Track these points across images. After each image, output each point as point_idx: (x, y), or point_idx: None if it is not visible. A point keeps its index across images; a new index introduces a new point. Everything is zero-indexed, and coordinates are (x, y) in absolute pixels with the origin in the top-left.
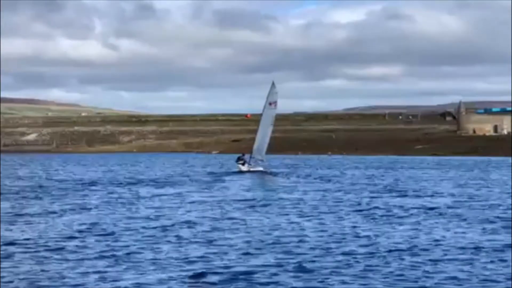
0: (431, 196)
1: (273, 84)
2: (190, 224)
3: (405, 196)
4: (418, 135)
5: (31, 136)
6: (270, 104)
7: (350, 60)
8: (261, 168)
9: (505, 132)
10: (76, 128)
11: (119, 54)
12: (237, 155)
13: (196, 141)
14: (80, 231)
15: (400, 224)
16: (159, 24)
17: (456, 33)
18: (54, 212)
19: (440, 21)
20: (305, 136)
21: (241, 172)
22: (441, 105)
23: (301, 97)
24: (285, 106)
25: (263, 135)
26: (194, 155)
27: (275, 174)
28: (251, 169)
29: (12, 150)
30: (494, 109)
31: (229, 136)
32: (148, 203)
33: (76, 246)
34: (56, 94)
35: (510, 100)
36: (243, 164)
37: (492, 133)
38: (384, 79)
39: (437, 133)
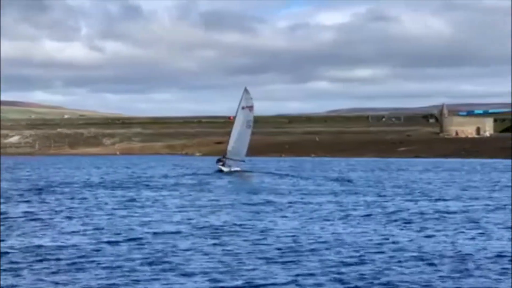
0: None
1: (245, 90)
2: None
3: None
4: (401, 137)
5: (14, 139)
6: (243, 108)
7: (335, 62)
8: (238, 168)
9: (487, 134)
10: (59, 130)
11: (105, 56)
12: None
13: (179, 143)
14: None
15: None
16: (145, 26)
17: (441, 35)
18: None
19: (425, 23)
20: (288, 138)
21: (221, 172)
22: (425, 107)
23: (285, 99)
24: (269, 108)
25: (238, 137)
26: (171, 157)
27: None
28: (231, 170)
29: None
30: (476, 111)
31: (213, 138)
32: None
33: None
34: (40, 96)
35: (493, 102)
36: (223, 165)
37: (474, 135)
38: (369, 81)
39: (420, 135)
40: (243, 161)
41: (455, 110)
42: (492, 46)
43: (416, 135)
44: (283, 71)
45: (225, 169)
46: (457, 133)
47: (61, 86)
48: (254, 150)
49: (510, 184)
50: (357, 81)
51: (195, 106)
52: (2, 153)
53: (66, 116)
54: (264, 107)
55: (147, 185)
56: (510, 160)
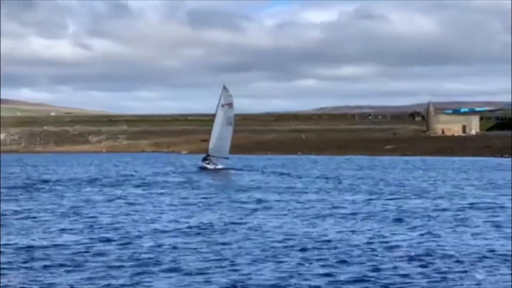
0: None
1: (224, 87)
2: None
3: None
4: (387, 135)
5: (0, 136)
6: (223, 105)
7: (321, 60)
8: (222, 166)
9: (473, 132)
10: (45, 128)
11: (91, 54)
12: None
13: (165, 141)
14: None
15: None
16: (132, 24)
17: (428, 34)
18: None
19: (412, 22)
20: (274, 136)
21: (206, 170)
22: (411, 106)
23: (272, 97)
24: (256, 106)
25: (219, 135)
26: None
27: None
28: (216, 167)
29: None
30: (462, 110)
31: (199, 136)
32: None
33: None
34: (26, 94)
35: (479, 100)
36: (208, 163)
37: (460, 133)
38: (355, 79)
39: (406, 133)
40: (227, 158)
41: (441, 109)
42: (478, 45)
43: (402, 133)
44: (269, 69)
45: (210, 166)
46: (443, 131)
47: (48, 83)
48: (241, 148)
49: (503, 182)
50: (344, 79)
51: (181, 104)
52: None
53: (52, 114)
54: (251, 105)
55: (136, 183)
56: (496, 158)
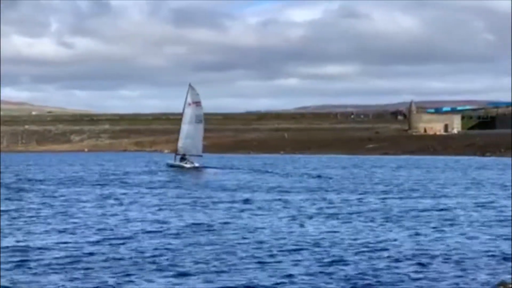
0: None
1: (190, 86)
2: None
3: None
4: (369, 134)
5: None
6: (189, 104)
7: (305, 59)
8: (197, 164)
9: (455, 131)
10: (26, 127)
11: (74, 52)
12: None
13: (148, 140)
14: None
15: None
16: (115, 22)
17: (410, 33)
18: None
19: (396, 20)
20: (256, 135)
21: (184, 168)
22: (393, 104)
23: (254, 95)
24: (238, 105)
25: (188, 134)
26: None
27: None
28: (194, 166)
29: None
30: (444, 109)
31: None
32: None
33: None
34: (7, 93)
35: (460, 99)
36: (185, 163)
37: (442, 132)
38: (339, 78)
39: (388, 132)
40: (200, 156)
41: (423, 107)
42: (461, 44)
43: (384, 132)
44: (252, 67)
45: (187, 165)
46: (425, 130)
47: (29, 82)
48: (223, 147)
49: (490, 181)
50: (326, 78)
51: (164, 102)
52: None
53: (34, 113)
54: (233, 104)
55: (122, 182)
56: (478, 157)
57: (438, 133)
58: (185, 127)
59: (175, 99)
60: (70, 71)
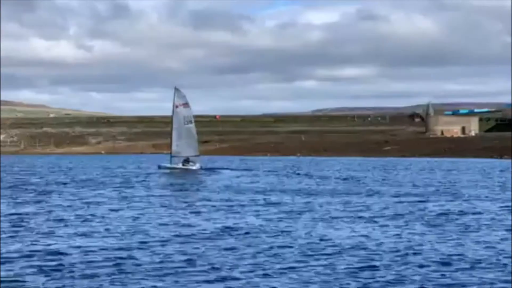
0: None
1: (176, 89)
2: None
3: None
4: (386, 137)
5: None
6: (177, 106)
7: (322, 61)
8: (200, 166)
9: (472, 133)
10: (44, 129)
11: (92, 55)
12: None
13: (165, 143)
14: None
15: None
16: (133, 25)
17: (429, 34)
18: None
19: (413, 22)
20: (273, 137)
21: (187, 170)
22: (410, 107)
23: (272, 98)
24: (255, 107)
25: (179, 135)
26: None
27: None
28: (198, 167)
29: None
30: (462, 111)
31: (198, 137)
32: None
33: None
34: (26, 95)
35: (478, 101)
36: (190, 165)
37: (460, 134)
38: (356, 80)
39: (405, 135)
40: (197, 155)
41: (440, 110)
42: (478, 46)
43: (401, 134)
44: (270, 70)
45: (193, 167)
46: (442, 133)
47: (47, 85)
48: (239, 149)
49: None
50: (344, 80)
51: None
52: None
53: (51, 115)
54: (250, 107)
55: (144, 185)
56: (496, 159)
57: (455, 135)
58: (176, 130)
59: (192, 101)
60: (88, 73)
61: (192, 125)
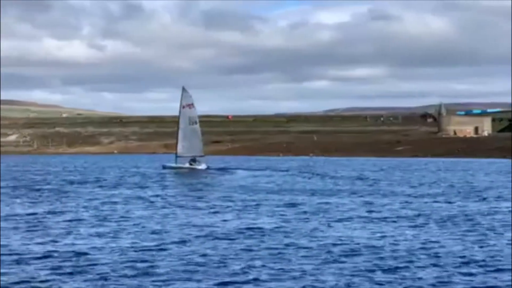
0: None
1: (183, 89)
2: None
3: None
4: (398, 137)
5: (12, 137)
6: (183, 107)
7: (334, 61)
8: (205, 166)
9: (485, 134)
10: (57, 129)
11: (105, 55)
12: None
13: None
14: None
15: None
16: (145, 25)
17: (440, 34)
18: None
19: (425, 22)
20: (285, 137)
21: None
22: (423, 107)
23: (283, 98)
24: (267, 107)
25: (185, 136)
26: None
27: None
28: (204, 167)
29: None
30: (474, 111)
31: (210, 137)
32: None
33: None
34: (39, 95)
35: (491, 101)
36: (197, 164)
37: (472, 134)
38: (367, 80)
39: (417, 135)
40: (202, 156)
41: (453, 110)
42: (490, 46)
43: (413, 134)
44: (281, 70)
45: (200, 167)
46: (455, 133)
47: (60, 85)
48: (252, 149)
49: None
50: (355, 80)
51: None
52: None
53: (64, 115)
54: (262, 107)
55: (160, 184)
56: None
57: (468, 135)
58: (182, 131)
59: (204, 101)
60: (100, 73)
61: (197, 126)
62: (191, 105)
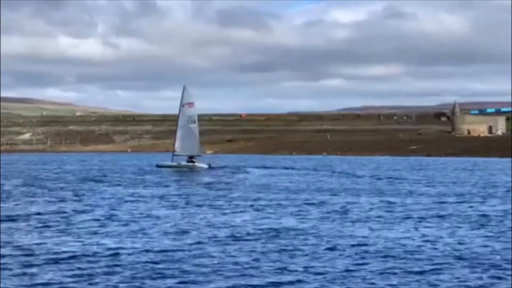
0: None
1: (185, 88)
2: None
3: None
4: (412, 136)
5: (26, 136)
6: (183, 105)
7: (349, 60)
8: (205, 165)
9: (499, 133)
10: (70, 127)
11: (119, 53)
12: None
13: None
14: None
15: None
16: (160, 23)
17: (455, 33)
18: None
19: (440, 21)
20: (299, 136)
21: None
22: (436, 106)
23: (297, 96)
24: (281, 106)
25: (183, 135)
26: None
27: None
28: (206, 166)
29: (7, 150)
30: (488, 110)
31: (224, 136)
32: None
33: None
34: (52, 93)
35: (505, 100)
36: (197, 163)
37: (486, 134)
38: (382, 79)
39: (431, 134)
40: (199, 155)
41: (467, 109)
42: (503, 44)
43: (427, 133)
44: (296, 68)
45: (200, 165)
46: (469, 132)
47: (74, 83)
48: (265, 148)
49: None
50: (370, 79)
51: (207, 103)
52: (14, 150)
53: (78, 113)
54: (275, 105)
55: (178, 184)
56: None
57: (482, 134)
58: (180, 129)
59: (218, 99)
60: (114, 71)
61: (195, 125)
62: (191, 104)
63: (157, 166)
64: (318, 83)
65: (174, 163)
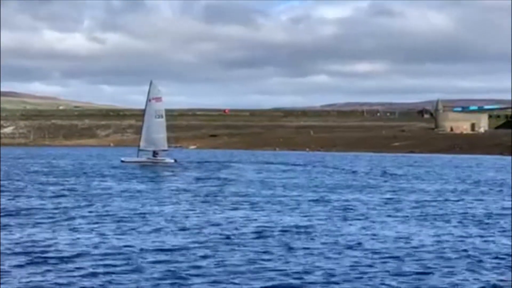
0: None
1: (151, 83)
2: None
3: None
4: (395, 132)
5: (8, 129)
6: (150, 100)
7: (334, 56)
8: (172, 160)
9: (482, 130)
10: (53, 121)
11: (105, 48)
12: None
13: (173, 136)
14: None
15: None
16: (146, 18)
17: (441, 31)
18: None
19: (426, 18)
20: (282, 132)
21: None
22: (420, 103)
23: (283, 92)
24: (266, 102)
25: (149, 129)
26: None
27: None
28: (167, 160)
29: None
30: (471, 108)
31: (207, 131)
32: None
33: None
34: (37, 87)
35: (489, 98)
36: (162, 158)
37: (469, 131)
38: (367, 76)
39: (414, 131)
40: (166, 150)
41: (450, 106)
42: (489, 43)
43: (410, 130)
44: (282, 64)
45: (167, 160)
46: (451, 129)
47: (59, 77)
48: (249, 144)
49: None
50: (355, 75)
51: (192, 99)
52: None
53: (61, 107)
54: (260, 101)
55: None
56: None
57: (464, 132)
58: (146, 123)
59: (203, 95)
60: (100, 66)
61: (163, 119)
62: (159, 99)
63: (122, 161)
64: (304, 79)
65: (141, 159)
